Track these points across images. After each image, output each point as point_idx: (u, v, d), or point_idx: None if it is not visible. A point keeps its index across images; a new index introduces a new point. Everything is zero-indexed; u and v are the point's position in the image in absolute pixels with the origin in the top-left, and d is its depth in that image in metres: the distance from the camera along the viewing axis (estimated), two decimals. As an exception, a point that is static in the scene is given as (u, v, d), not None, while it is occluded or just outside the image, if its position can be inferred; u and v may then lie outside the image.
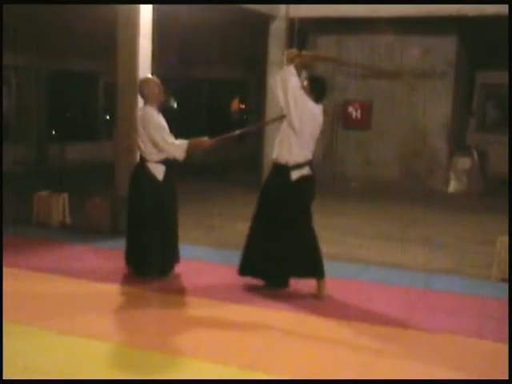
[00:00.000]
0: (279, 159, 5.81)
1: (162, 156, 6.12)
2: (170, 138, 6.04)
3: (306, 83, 5.78)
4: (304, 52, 5.96)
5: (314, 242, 5.84)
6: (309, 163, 5.81)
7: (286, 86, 5.59)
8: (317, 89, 5.79)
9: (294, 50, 5.82)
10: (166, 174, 6.18)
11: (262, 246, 5.87)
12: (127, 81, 7.72)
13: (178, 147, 6.04)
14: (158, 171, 6.13)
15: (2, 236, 6.95)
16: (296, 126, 5.62)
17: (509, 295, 5.81)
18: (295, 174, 5.73)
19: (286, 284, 5.95)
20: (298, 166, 5.74)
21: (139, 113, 6.20)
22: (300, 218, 5.80)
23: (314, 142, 5.86)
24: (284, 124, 5.79)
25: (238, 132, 6.44)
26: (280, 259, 5.80)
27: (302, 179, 5.75)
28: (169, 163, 6.19)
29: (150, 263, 6.21)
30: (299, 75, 5.74)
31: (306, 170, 5.79)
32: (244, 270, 5.99)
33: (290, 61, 5.67)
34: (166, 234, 6.24)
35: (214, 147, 6.37)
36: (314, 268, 5.82)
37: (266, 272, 5.92)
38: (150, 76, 6.58)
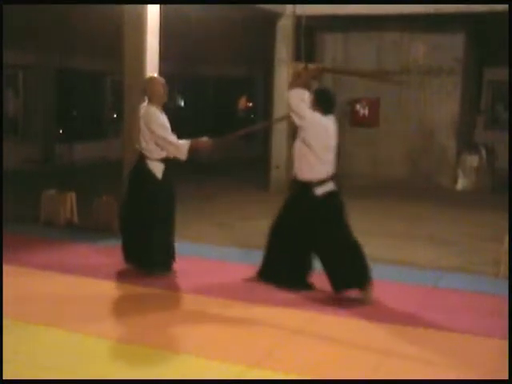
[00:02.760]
0: (300, 176, 5.80)
1: (163, 154, 6.14)
2: (173, 138, 6.07)
3: (311, 97, 5.78)
4: (309, 66, 5.99)
5: (355, 254, 5.75)
6: (332, 178, 5.78)
7: (299, 111, 5.63)
8: (323, 101, 5.79)
9: (299, 66, 5.82)
10: (165, 173, 6.20)
11: (284, 258, 5.93)
12: (134, 79, 7.71)
13: (180, 148, 6.07)
14: (158, 169, 6.17)
15: (2, 235, 6.95)
16: (313, 145, 5.64)
17: (509, 293, 5.79)
18: (319, 191, 5.71)
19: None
20: (322, 182, 5.71)
21: (142, 111, 6.22)
22: (337, 231, 5.77)
23: (333, 153, 5.81)
24: (299, 142, 5.77)
25: (241, 132, 6.44)
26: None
27: (328, 195, 5.73)
28: (168, 161, 6.21)
29: (155, 260, 6.26)
30: (309, 89, 5.77)
31: (330, 186, 5.76)
32: (265, 277, 6.06)
33: (297, 76, 5.68)
34: (167, 230, 6.27)
35: (216, 147, 6.37)
36: (359, 277, 5.74)
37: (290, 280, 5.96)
38: (154, 75, 6.60)
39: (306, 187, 5.74)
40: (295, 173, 5.87)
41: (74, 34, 13.58)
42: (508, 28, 9.17)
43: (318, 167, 5.70)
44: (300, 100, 5.65)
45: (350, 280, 5.73)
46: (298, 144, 5.80)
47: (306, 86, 5.75)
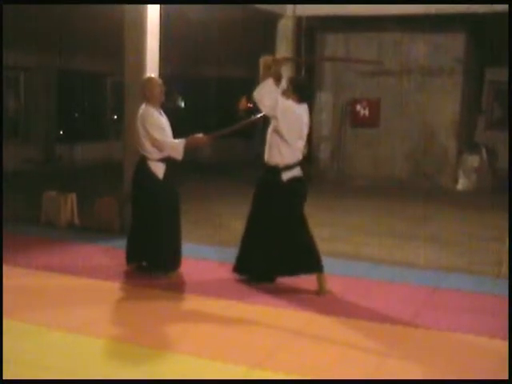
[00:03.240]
0: (270, 161, 5.91)
1: (162, 155, 6.15)
2: (167, 139, 6.08)
3: (287, 85, 5.87)
4: (277, 57, 6.06)
5: (307, 240, 5.91)
6: (299, 164, 5.91)
7: (269, 103, 5.66)
8: (299, 89, 5.87)
9: (269, 58, 5.87)
10: (167, 173, 6.21)
11: (253, 244, 6.04)
12: (135, 80, 7.70)
13: (175, 147, 6.08)
14: (159, 169, 6.17)
15: (2, 236, 6.95)
16: (285, 135, 5.74)
17: (509, 293, 5.79)
18: (286, 175, 5.83)
19: (271, 280, 6.09)
20: (289, 168, 5.83)
21: (140, 112, 6.23)
22: (291, 217, 5.89)
23: (303, 141, 5.95)
24: (271, 129, 5.86)
25: (236, 126, 6.45)
26: (270, 257, 5.93)
27: (293, 180, 5.86)
28: (169, 161, 6.22)
29: (161, 260, 6.29)
30: (279, 79, 5.86)
31: (296, 171, 5.88)
32: (237, 268, 6.20)
33: (268, 68, 5.73)
34: (171, 230, 6.28)
35: (211, 143, 6.38)
36: (308, 264, 5.90)
37: (255, 269, 6.08)
38: (152, 76, 6.59)
39: (273, 171, 5.85)
40: (265, 158, 5.96)
41: (75, 35, 13.58)
42: (508, 28, 9.17)
43: (287, 153, 5.81)
44: (269, 91, 5.67)
45: (299, 266, 5.92)
46: (270, 132, 5.87)
47: (276, 77, 5.81)
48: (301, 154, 5.94)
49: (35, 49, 14.32)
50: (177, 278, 6.29)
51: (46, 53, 14.70)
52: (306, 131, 5.94)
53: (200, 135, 6.24)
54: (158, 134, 6.03)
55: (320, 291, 5.86)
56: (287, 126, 5.72)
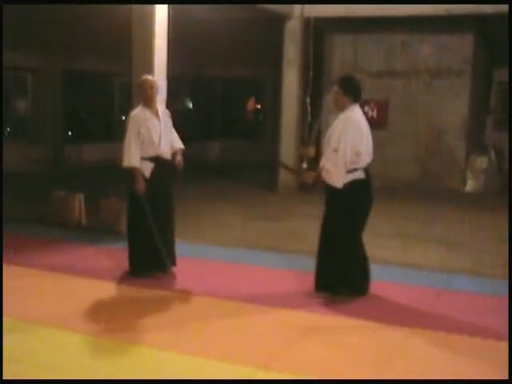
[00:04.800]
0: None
1: (151, 153, 6.15)
2: (134, 144, 6.06)
3: (337, 88, 5.62)
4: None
5: (346, 256, 5.63)
6: (363, 168, 5.57)
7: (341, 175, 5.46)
8: (350, 91, 5.61)
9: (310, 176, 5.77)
10: (156, 172, 6.18)
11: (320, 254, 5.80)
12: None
13: (127, 156, 6.08)
14: (145, 168, 6.16)
15: (2, 235, 6.96)
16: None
17: (509, 293, 5.76)
18: (347, 178, 5.49)
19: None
20: (351, 170, 5.51)
21: (132, 112, 6.25)
22: (341, 224, 5.60)
23: (369, 145, 5.62)
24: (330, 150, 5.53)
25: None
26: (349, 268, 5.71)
27: (355, 183, 5.52)
28: (160, 161, 6.20)
29: (138, 261, 6.29)
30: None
31: (359, 174, 5.54)
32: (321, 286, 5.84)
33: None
34: (158, 229, 6.21)
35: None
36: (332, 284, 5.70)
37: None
38: (147, 77, 6.49)
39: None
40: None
41: (83, 35, 13.62)
42: (508, 28, 9.16)
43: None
44: (338, 173, 5.44)
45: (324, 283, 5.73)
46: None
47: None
48: (367, 156, 5.59)
49: (43, 49, 14.36)
50: (181, 278, 6.28)
51: (53, 53, 14.74)
52: (369, 133, 5.63)
53: (141, 179, 6.12)
54: (129, 135, 6.08)
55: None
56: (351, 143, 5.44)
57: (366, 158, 5.58)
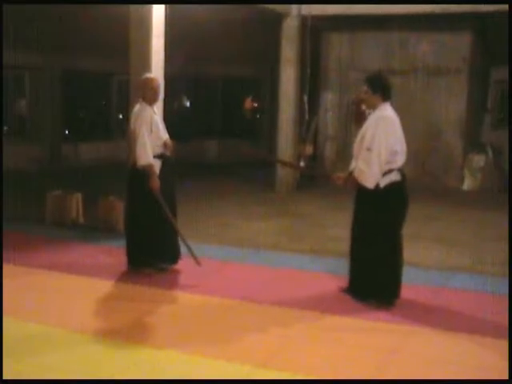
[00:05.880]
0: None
1: (157, 151, 6.14)
2: (148, 141, 6.02)
3: (366, 87, 5.53)
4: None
5: (380, 259, 5.52)
6: (398, 168, 5.46)
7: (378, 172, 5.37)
8: (380, 89, 5.51)
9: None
10: (163, 169, 6.19)
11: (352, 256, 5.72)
12: (140, 80, 7.71)
13: (144, 153, 6.03)
14: (155, 166, 6.16)
15: (2, 235, 6.96)
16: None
17: (509, 293, 5.76)
18: (384, 181, 5.39)
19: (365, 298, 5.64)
20: (386, 172, 5.40)
21: (134, 110, 6.26)
22: (377, 228, 5.51)
23: (403, 144, 5.55)
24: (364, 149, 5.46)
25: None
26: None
27: (391, 186, 5.43)
28: (165, 159, 6.20)
29: (138, 257, 6.32)
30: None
31: (394, 176, 5.44)
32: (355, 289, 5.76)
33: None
34: (166, 226, 6.25)
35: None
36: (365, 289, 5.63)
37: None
38: (148, 75, 6.56)
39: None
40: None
41: (81, 34, 13.60)
42: (508, 28, 9.16)
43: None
44: (372, 172, 5.36)
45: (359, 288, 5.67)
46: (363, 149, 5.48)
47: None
48: (403, 155, 5.49)
49: (41, 48, 14.32)
50: (179, 276, 6.29)
51: (51, 52, 14.70)
52: (401, 132, 5.55)
53: (156, 179, 6.11)
54: (142, 131, 6.02)
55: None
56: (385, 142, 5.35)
57: (402, 157, 5.46)
